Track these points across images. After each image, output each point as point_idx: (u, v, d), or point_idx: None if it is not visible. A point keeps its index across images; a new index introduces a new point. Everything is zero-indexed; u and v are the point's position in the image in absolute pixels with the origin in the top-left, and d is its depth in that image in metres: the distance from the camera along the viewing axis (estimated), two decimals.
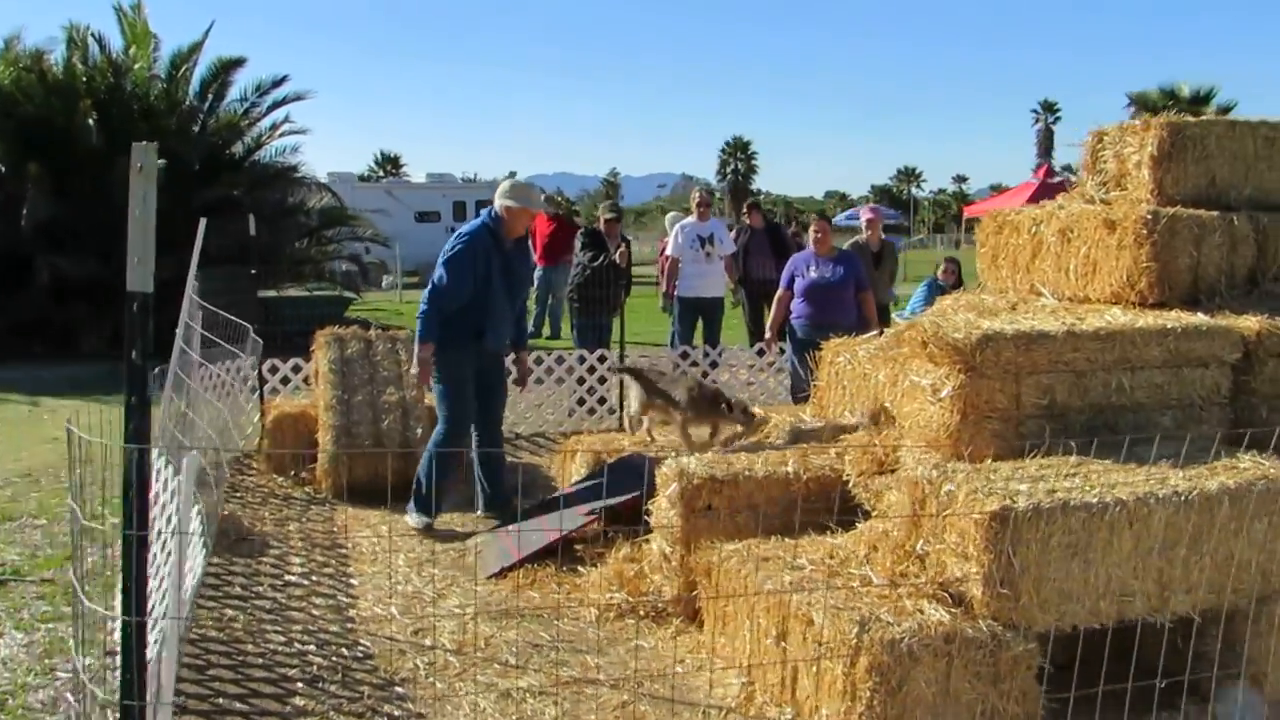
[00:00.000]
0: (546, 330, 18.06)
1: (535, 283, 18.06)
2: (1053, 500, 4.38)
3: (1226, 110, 32.82)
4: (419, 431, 8.26)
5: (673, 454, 6.58)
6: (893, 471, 5.64)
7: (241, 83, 17.86)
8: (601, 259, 11.12)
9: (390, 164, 70.94)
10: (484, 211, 7.40)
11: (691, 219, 11.97)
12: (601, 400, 10.62)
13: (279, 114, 17.98)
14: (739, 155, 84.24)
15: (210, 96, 17.57)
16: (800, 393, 9.28)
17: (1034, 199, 29.64)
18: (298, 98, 17.71)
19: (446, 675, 5.09)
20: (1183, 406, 5.49)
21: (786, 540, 5.38)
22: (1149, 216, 5.82)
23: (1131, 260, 5.86)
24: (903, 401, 5.93)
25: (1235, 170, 6.24)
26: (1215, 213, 5.96)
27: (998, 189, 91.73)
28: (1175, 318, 5.54)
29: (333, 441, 8.09)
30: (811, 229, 9.60)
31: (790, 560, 5.07)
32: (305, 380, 10.07)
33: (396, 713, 4.73)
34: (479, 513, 7.48)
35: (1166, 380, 5.43)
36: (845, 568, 4.95)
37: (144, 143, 2.44)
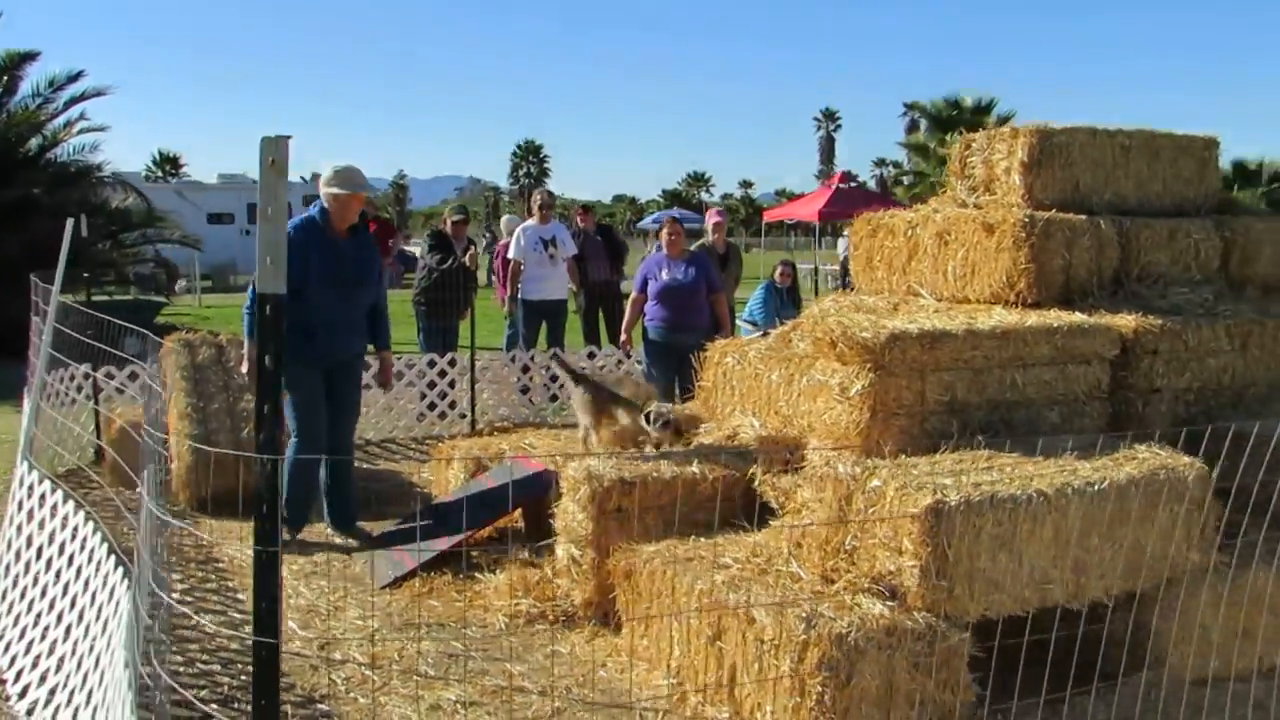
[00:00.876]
0: None
1: None
2: (981, 494, 4.55)
3: (1006, 119, 34.60)
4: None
5: (554, 457, 6.54)
6: (798, 470, 5.76)
7: (34, 78, 16.88)
8: (450, 261, 10.95)
9: (169, 164, 68.01)
10: (313, 205, 6.91)
11: (533, 221, 11.90)
12: (452, 404, 10.47)
13: (74, 111, 17.06)
14: (531, 158, 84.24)
15: (0, 91, 16.53)
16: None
17: (830, 203, 30.66)
18: (97, 93, 16.84)
19: (366, 689, 4.94)
20: (1068, 401, 5.78)
21: (703, 540, 5.42)
22: (1026, 220, 6.10)
23: (1010, 262, 6.12)
24: (800, 400, 6.06)
25: (1096, 176, 6.60)
26: (1083, 217, 6.29)
27: (782, 194, 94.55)
28: (1059, 317, 5.82)
29: (190, 452, 7.73)
30: (665, 231, 9.64)
31: (714, 560, 5.11)
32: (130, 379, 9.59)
33: None
34: (328, 532, 7.11)
35: (1054, 377, 5.71)
36: (773, 565, 5.02)
37: (275, 135, 2.29)
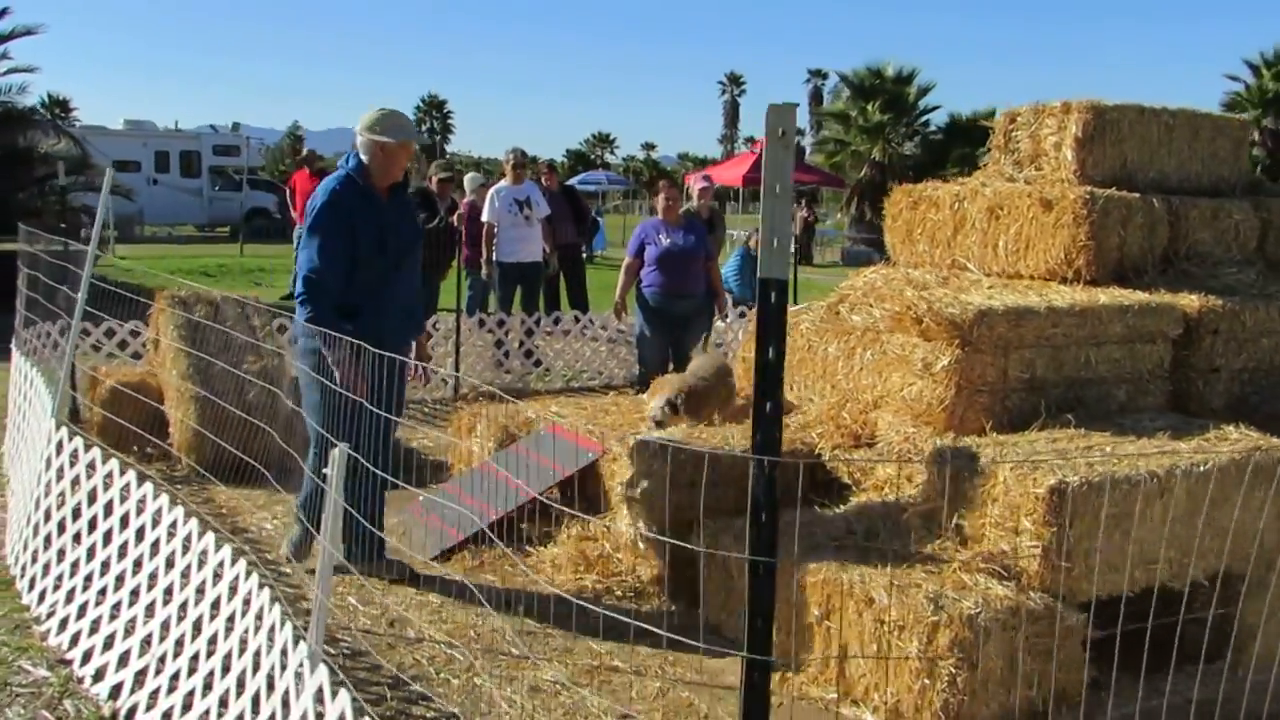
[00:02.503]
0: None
1: (295, 242, 17.20)
2: (1099, 474, 4.53)
3: (927, 90, 34.99)
4: (290, 404, 7.66)
5: (599, 429, 6.40)
6: (870, 444, 5.70)
7: None
8: (436, 220, 10.65)
9: (59, 106, 65.30)
10: (345, 158, 5.75)
11: (506, 182, 11.64)
12: (440, 367, 10.21)
13: None
14: (435, 114, 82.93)
15: None
16: (649, 361, 9.22)
17: (754, 168, 30.72)
18: (26, 31, 16.02)
19: (455, 670, 4.76)
20: (1134, 380, 5.81)
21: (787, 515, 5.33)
22: (1087, 196, 6.09)
23: (1070, 238, 6.12)
24: (862, 375, 6.00)
25: (1143, 154, 6.63)
26: (1136, 194, 6.31)
27: (686, 157, 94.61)
28: (1128, 295, 5.84)
29: (196, 413, 7.39)
30: (662, 195, 9.48)
31: (810, 536, 5.03)
32: (120, 346, 9.19)
33: (428, 714, 4.38)
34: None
35: (1123, 355, 5.73)
36: (874, 544, 4.94)
37: (784, 103, 2.10)
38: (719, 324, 10.84)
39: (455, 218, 10.73)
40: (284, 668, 3.27)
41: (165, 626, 4.27)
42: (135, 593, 4.58)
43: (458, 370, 10.15)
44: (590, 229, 18.73)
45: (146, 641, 4.33)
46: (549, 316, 11.28)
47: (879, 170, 33.37)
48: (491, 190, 11.62)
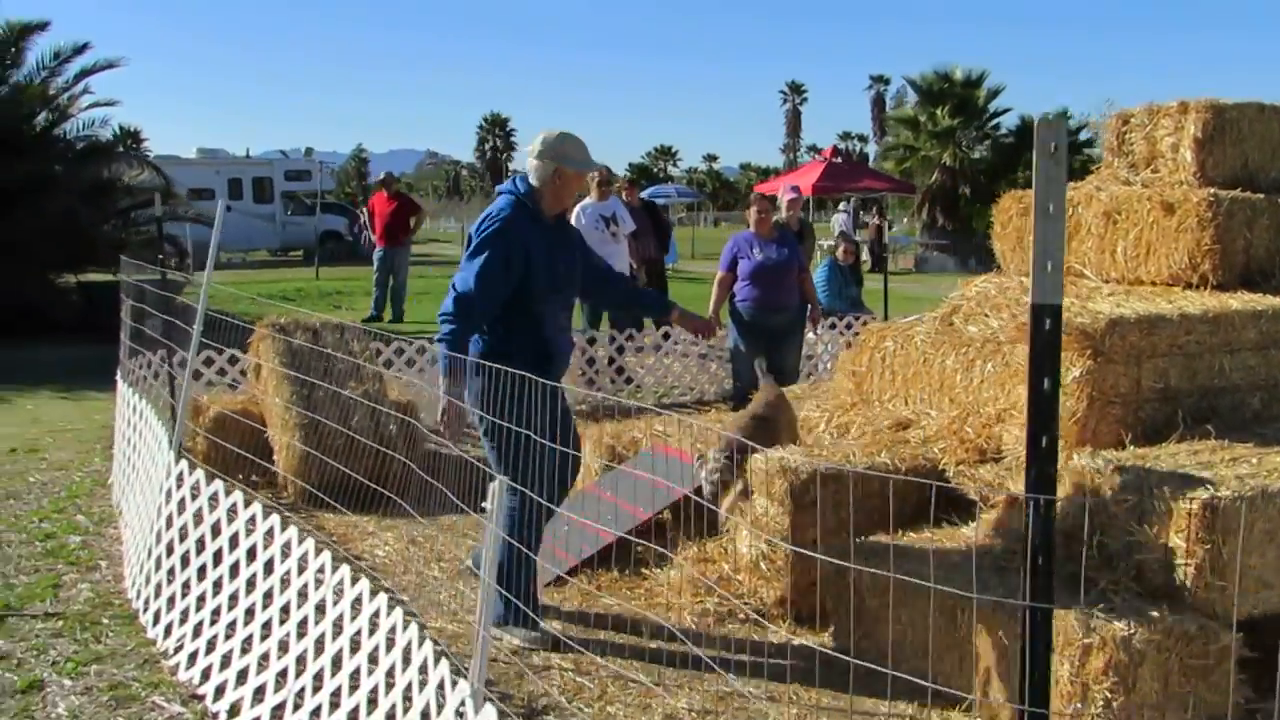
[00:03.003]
0: (388, 314, 17.30)
1: (375, 264, 17.36)
2: (1251, 488, 4.36)
3: (997, 93, 34.62)
4: (392, 428, 7.67)
5: (701, 450, 6.30)
6: (996, 460, 5.56)
7: (39, 49, 16.29)
8: None
9: (130, 138, 66.58)
10: (510, 181, 5.43)
11: (591, 199, 11.60)
12: None
13: (82, 84, 16.52)
14: (497, 132, 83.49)
15: (6, 64, 15.94)
16: (743, 375, 9.12)
17: (824, 176, 30.46)
18: (108, 65, 16.30)
19: (587, 698, 4.69)
20: (1268, 387, 5.61)
21: (910, 533, 5.21)
22: (1211, 199, 5.91)
23: (1194, 242, 5.94)
24: (983, 388, 5.86)
25: (1264, 153, 6.43)
26: (1261, 195, 6.11)
27: (748, 167, 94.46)
28: (1261, 300, 5.65)
29: (302, 440, 7.41)
30: (754, 209, 9.41)
31: (944, 557, 4.90)
32: (219, 373, 9.26)
33: None
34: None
35: (1258, 362, 5.55)
36: (1013, 563, 4.80)
37: (1048, 118, 2.04)
38: (810, 336, 10.73)
39: None
40: (441, 706, 3.21)
41: (301, 661, 4.23)
42: (267, 626, 4.55)
43: None
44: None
45: (282, 675, 4.30)
46: (623, 335, 11.19)
47: (950, 175, 33.08)
48: (578, 208, 11.59)
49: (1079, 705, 4.13)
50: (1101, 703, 4.08)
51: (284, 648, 4.39)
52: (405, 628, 3.60)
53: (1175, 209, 6.01)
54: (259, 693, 4.32)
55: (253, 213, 34.57)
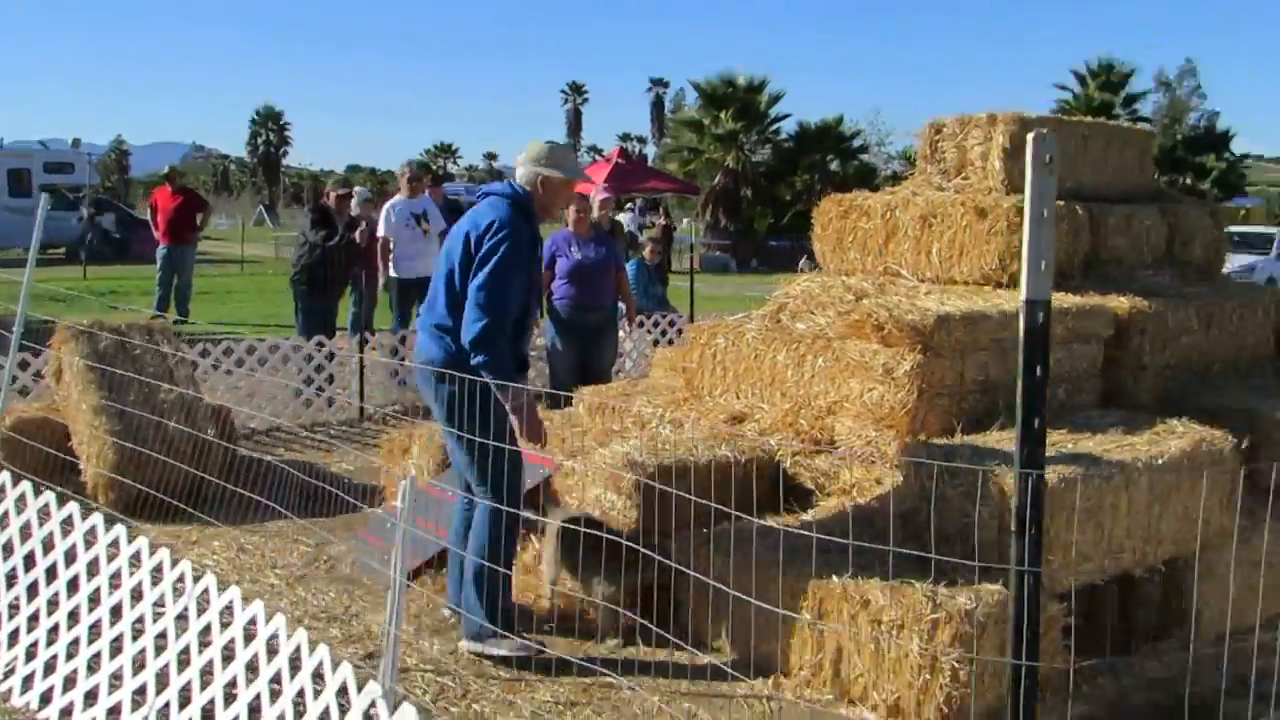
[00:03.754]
0: (172, 314, 16.63)
1: (159, 261, 16.68)
2: (1073, 471, 4.73)
3: (778, 98, 35.71)
4: (210, 432, 7.44)
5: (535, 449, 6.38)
6: (831, 449, 5.82)
7: None
8: (339, 238, 10.44)
9: None
10: (501, 185, 5.24)
11: (401, 196, 11.48)
12: (344, 388, 10.04)
13: None
14: (270, 126, 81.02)
15: None
16: (559, 374, 9.19)
17: (610, 177, 30.86)
18: None
19: (450, 698, 4.70)
20: (1071, 379, 6.06)
21: (765, 522, 5.41)
22: (1021, 205, 6.32)
23: (1004, 245, 6.35)
24: (814, 381, 6.12)
25: (1063, 164, 6.88)
26: (1061, 202, 6.58)
27: None
28: (1062, 298, 6.08)
29: (113, 448, 7.11)
30: (572, 208, 9.47)
31: (789, 544, 5.11)
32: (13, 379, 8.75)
33: None
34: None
35: (1063, 355, 5.97)
36: (857, 548, 5.04)
37: (1044, 131, 2.14)
38: (619, 334, 10.90)
39: (358, 234, 10.54)
40: (344, 710, 3.19)
41: (163, 676, 4.10)
42: (117, 641, 4.38)
43: (361, 392, 9.99)
44: None
45: (140, 693, 4.15)
46: None
47: (732, 177, 33.97)
48: (387, 205, 11.47)
49: (928, 677, 4.40)
50: (949, 672, 4.35)
51: (140, 664, 4.24)
52: (313, 651, 3.54)
53: (987, 214, 6.41)
54: (114, 712, 4.17)
55: (8, 207, 32.61)
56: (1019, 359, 2.40)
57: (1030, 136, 2.38)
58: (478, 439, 4.73)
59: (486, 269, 4.88)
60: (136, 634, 4.34)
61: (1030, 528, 2.36)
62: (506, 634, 4.92)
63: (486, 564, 4.88)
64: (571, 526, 5.04)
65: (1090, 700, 4.81)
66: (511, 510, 4.88)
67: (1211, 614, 5.31)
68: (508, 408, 4.88)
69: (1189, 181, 49.45)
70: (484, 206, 5.12)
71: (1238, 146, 56.54)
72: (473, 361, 4.84)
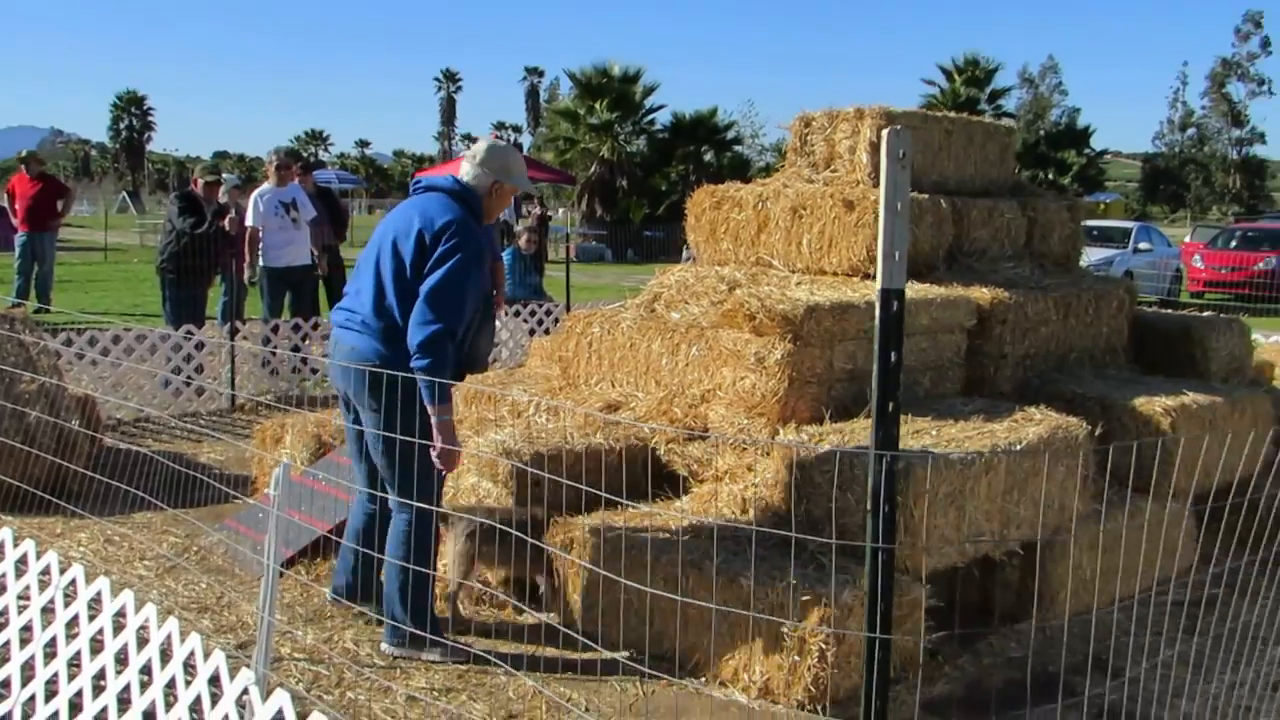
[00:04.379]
0: (33, 303, 16.10)
1: (17, 249, 16.16)
2: (935, 457, 4.90)
3: (652, 89, 35.88)
4: (74, 423, 7.26)
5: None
6: (704, 437, 5.93)
7: None
8: (207, 225, 10.23)
9: None
10: (448, 182, 5.00)
11: (270, 185, 11.28)
12: (214, 378, 9.85)
13: None
14: (133, 111, 78.63)
15: None
16: None
17: None
18: None
19: (324, 685, 4.68)
20: (936, 368, 6.26)
21: (638, 509, 5.49)
22: None
23: (871, 237, 6.51)
24: (687, 370, 6.23)
25: (926, 158, 7.13)
26: (925, 195, 6.78)
27: (401, 154, 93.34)
28: (927, 289, 6.28)
29: None
30: None
31: (664, 529, 5.21)
32: None
33: None
34: (387, 649, 5.02)
35: (928, 345, 6.17)
36: (727, 532, 5.16)
37: (897, 128, 2.19)
38: (497, 323, 10.88)
39: (227, 221, 10.34)
40: (216, 699, 3.17)
41: (28, 668, 4.02)
42: None
43: (233, 381, 9.82)
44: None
45: (4, 686, 4.06)
46: (308, 324, 10.93)
47: (608, 168, 34.07)
48: (255, 194, 11.25)
49: (797, 658, 4.52)
50: (817, 654, 4.48)
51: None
52: (185, 639, 3.51)
53: (855, 206, 6.57)
54: None
55: None
56: (874, 345, 2.49)
57: (885, 132, 2.48)
58: (406, 440, 4.59)
59: (442, 273, 4.69)
60: (0, 626, 4.24)
61: (884, 506, 2.46)
62: (438, 639, 4.87)
63: (412, 569, 4.78)
64: (487, 522, 5.09)
65: (951, 679, 4.99)
66: (434, 512, 4.81)
67: (1065, 595, 5.54)
68: (432, 420, 4.70)
69: (1051, 176, 51.08)
70: (434, 203, 4.88)
71: (1097, 142, 58.68)
72: (414, 364, 4.66)
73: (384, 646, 5.02)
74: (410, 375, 4.49)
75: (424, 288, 4.71)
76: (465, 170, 5.02)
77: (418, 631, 4.84)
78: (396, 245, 4.82)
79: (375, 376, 4.69)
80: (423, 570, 4.77)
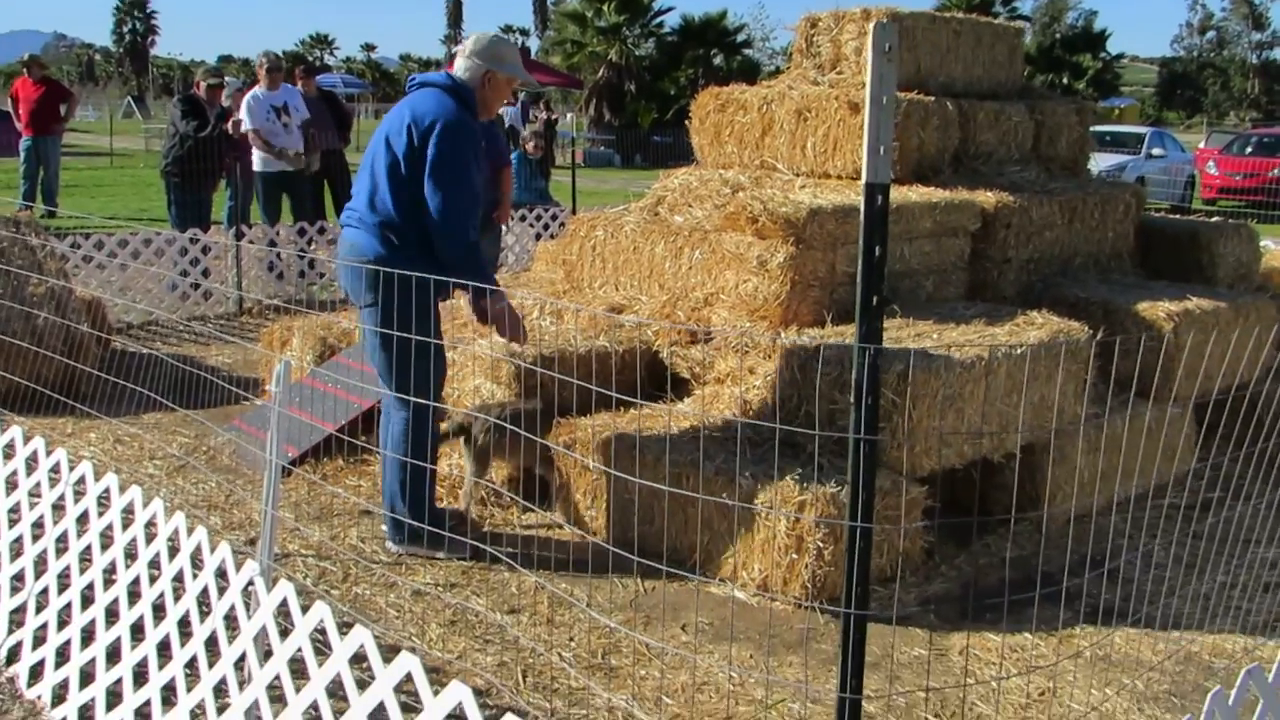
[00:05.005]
0: (39, 207, 16.09)
1: (22, 154, 16.12)
2: (936, 359, 4.92)
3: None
4: (83, 325, 7.32)
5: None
6: (707, 340, 5.96)
7: None
8: (210, 129, 10.18)
9: None
10: (440, 77, 4.97)
11: (261, 88, 11.15)
12: (221, 282, 9.88)
13: None
14: (136, 14, 77.66)
15: None
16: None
17: None
18: None
19: (331, 581, 4.78)
20: (939, 271, 6.26)
21: (641, 410, 5.54)
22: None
23: None
24: (691, 274, 6.24)
25: (934, 59, 7.05)
26: (932, 98, 6.72)
27: (408, 58, 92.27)
28: (932, 193, 6.26)
29: None
30: None
31: (665, 430, 5.26)
32: None
33: None
34: (393, 547, 5.08)
35: (932, 248, 6.17)
36: (728, 432, 5.21)
37: (884, 21, 2.19)
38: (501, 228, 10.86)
39: (230, 125, 10.28)
40: (223, 590, 3.25)
41: (41, 562, 4.11)
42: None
43: (240, 285, 9.85)
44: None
45: (18, 579, 4.16)
46: (313, 228, 10.90)
47: (616, 71, 33.68)
48: (247, 97, 11.13)
49: (794, 556, 4.60)
50: (814, 552, 4.56)
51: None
52: (193, 532, 3.58)
53: (859, 109, 6.51)
54: None
55: None
56: (859, 240, 2.51)
57: (872, 25, 2.47)
58: (404, 337, 4.54)
59: (444, 172, 4.71)
60: (13, 522, 4.33)
61: (867, 398, 2.49)
62: (446, 535, 4.87)
63: (411, 463, 4.79)
64: (499, 423, 5.16)
65: (948, 579, 5.07)
66: (431, 408, 4.81)
67: (1063, 497, 5.60)
68: (488, 310, 4.85)
69: (1066, 81, 50.40)
70: (426, 99, 4.86)
71: (1114, 46, 57.88)
72: (453, 267, 4.72)
73: (389, 545, 5.10)
74: (405, 272, 4.46)
75: (430, 191, 4.73)
76: (458, 65, 5.00)
77: (419, 525, 4.90)
78: (389, 142, 4.84)
79: (372, 272, 4.69)
80: (422, 465, 4.79)
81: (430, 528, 4.86)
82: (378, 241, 4.84)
